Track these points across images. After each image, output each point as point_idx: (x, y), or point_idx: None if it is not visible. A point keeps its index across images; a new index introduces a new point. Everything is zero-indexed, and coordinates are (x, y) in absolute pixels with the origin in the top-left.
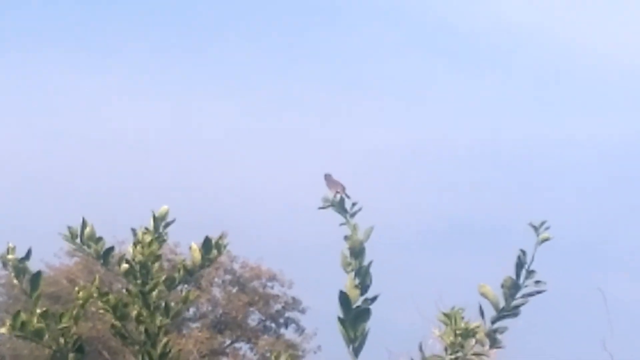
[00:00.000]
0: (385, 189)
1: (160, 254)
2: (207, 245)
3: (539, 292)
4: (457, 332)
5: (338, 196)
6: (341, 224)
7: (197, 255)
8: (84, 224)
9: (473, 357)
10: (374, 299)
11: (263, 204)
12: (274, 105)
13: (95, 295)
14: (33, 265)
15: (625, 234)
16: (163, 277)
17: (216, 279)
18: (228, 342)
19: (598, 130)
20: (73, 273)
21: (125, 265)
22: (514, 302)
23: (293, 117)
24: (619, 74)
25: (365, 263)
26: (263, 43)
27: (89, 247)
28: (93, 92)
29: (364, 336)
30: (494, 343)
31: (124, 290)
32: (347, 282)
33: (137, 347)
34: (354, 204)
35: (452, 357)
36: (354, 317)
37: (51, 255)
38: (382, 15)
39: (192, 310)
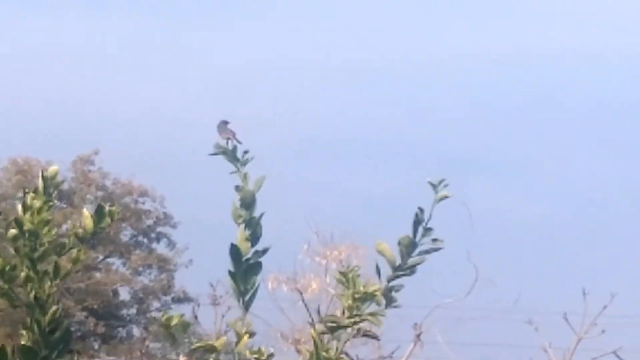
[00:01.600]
0: (261, 101)
1: (50, 218)
2: (100, 213)
3: (435, 250)
4: (356, 295)
5: (230, 143)
6: (231, 173)
7: (89, 223)
8: None
9: (369, 317)
10: (264, 251)
11: (136, 116)
12: (149, 19)
13: None
14: None
15: (485, 146)
16: (53, 245)
17: (88, 196)
18: (101, 257)
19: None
20: None
21: (13, 231)
22: (411, 260)
23: (172, 32)
24: None
25: (256, 214)
26: None
27: None
28: None
29: (255, 289)
30: (390, 302)
31: (12, 251)
32: (237, 234)
33: (26, 310)
34: (245, 152)
35: (351, 320)
36: (244, 271)
37: None
38: None
39: (65, 226)
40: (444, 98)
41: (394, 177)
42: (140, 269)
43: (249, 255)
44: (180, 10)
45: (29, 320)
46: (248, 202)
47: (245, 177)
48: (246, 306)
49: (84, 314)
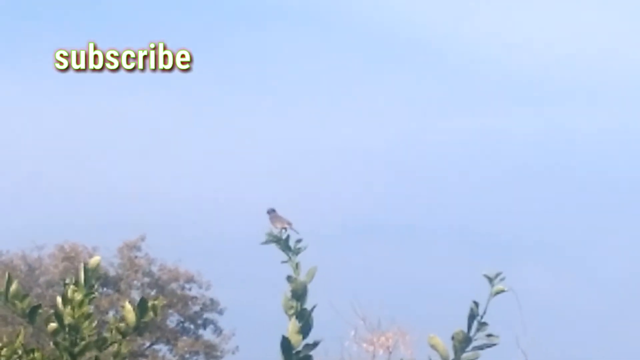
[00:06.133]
0: (304, 185)
1: (91, 312)
2: (142, 307)
3: (489, 346)
4: None
5: (284, 232)
6: (283, 262)
7: (132, 317)
8: (9, 281)
9: None
10: (315, 344)
11: (180, 203)
12: (190, 105)
13: (20, 352)
14: None
15: (532, 227)
16: (94, 339)
17: (135, 282)
18: (147, 344)
19: (506, 123)
20: None
21: (53, 325)
22: (464, 356)
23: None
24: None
25: (308, 305)
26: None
27: (14, 305)
28: None
29: None
30: None
31: (52, 344)
32: (289, 326)
33: None
34: (298, 241)
35: None
36: None
37: None
38: (285, 16)
39: (111, 313)
40: (492, 179)
41: (441, 263)
42: (187, 355)
43: (300, 348)
44: (226, 92)
45: None
46: (300, 294)
47: (297, 267)
48: None
49: None
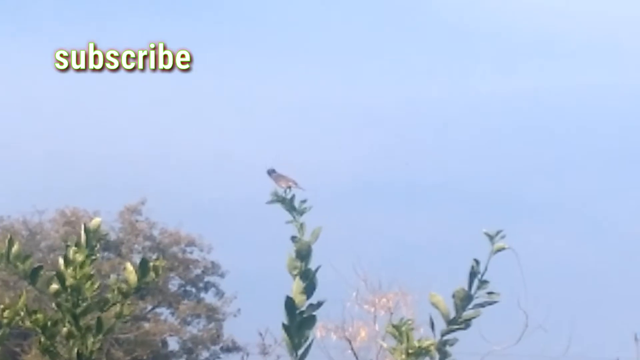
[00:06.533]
0: (304, 146)
1: (93, 273)
2: (143, 267)
3: (490, 304)
4: (410, 350)
5: (289, 191)
6: (287, 222)
7: (133, 277)
8: (10, 243)
9: None
10: (319, 304)
11: (181, 166)
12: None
13: (22, 313)
14: None
15: (533, 185)
16: (96, 299)
17: (136, 246)
18: (149, 307)
19: (507, 84)
20: None
21: (55, 286)
22: (466, 314)
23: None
24: (526, 27)
25: (312, 266)
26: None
27: (15, 266)
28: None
29: (310, 343)
30: (445, 356)
31: (54, 306)
32: (293, 286)
33: None
34: (302, 201)
35: None
36: (299, 324)
37: None
38: None
39: (112, 276)
40: (496, 141)
41: (441, 222)
42: (189, 318)
43: (304, 308)
44: (227, 56)
45: None
46: (304, 254)
47: (301, 227)
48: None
49: None
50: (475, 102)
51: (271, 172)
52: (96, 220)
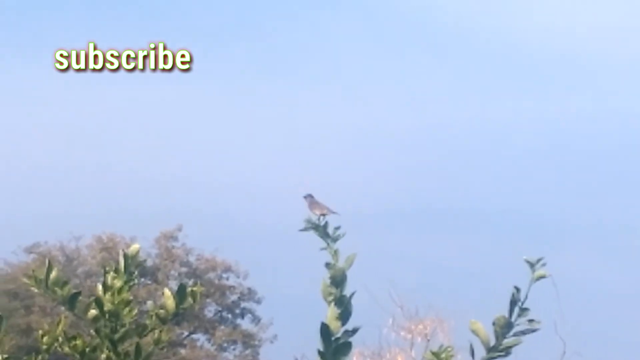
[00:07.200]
0: (344, 170)
1: (131, 299)
2: (181, 293)
3: (531, 331)
4: None
5: (323, 219)
6: (321, 249)
7: (171, 303)
8: (49, 269)
9: None
10: (354, 330)
11: (216, 192)
12: (225, 90)
13: (60, 339)
14: None
15: (576, 212)
16: (134, 326)
17: (172, 272)
18: (186, 333)
19: (538, 109)
20: (30, 269)
21: (93, 312)
22: (506, 341)
23: (247, 104)
24: (549, 56)
25: (347, 292)
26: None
27: (54, 292)
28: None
29: None
30: None
31: (93, 332)
32: (328, 312)
33: None
34: (336, 228)
35: None
36: (334, 351)
37: (9, 253)
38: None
39: (149, 302)
40: (531, 166)
41: (475, 247)
42: (225, 344)
43: (339, 335)
44: (267, 79)
45: None
46: (339, 280)
47: (335, 253)
48: None
49: None
50: (505, 125)
51: (307, 197)
52: (135, 247)
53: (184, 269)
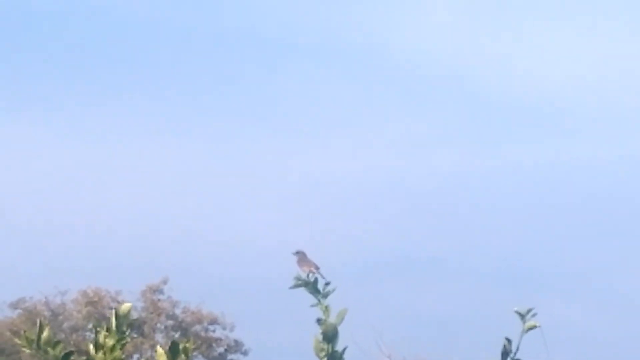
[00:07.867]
0: (327, 222)
1: (124, 357)
2: (174, 350)
3: None
4: None
5: (312, 276)
6: (312, 305)
7: None
8: (40, 328)
9: None
10: None
11: (202, 245)
12: (210, 143)
13: None
14: None
15: (556, 258)
16: None
17: (159, 325)
18: None
19: (524, 157)
20: (16, 325)
21: None
22: None
23: (226, 154)
24: (543, 101)
25: (339, 348)
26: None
27: (46, 352)
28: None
29: None
30: None
31: None
32: None
33: None
34: (327, 284)
35: None
36: None
37: None
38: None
39: (135, 357)
40: (513, 212)
41: (462, 297)
42: None
43: None
44: (249, 135)
45: None
46: (330, 336)
47: (327, 309)
48: None
49: None
50: (488, 175)
51: (297, 254)
52: (126, 305)
53: (170, 322)
